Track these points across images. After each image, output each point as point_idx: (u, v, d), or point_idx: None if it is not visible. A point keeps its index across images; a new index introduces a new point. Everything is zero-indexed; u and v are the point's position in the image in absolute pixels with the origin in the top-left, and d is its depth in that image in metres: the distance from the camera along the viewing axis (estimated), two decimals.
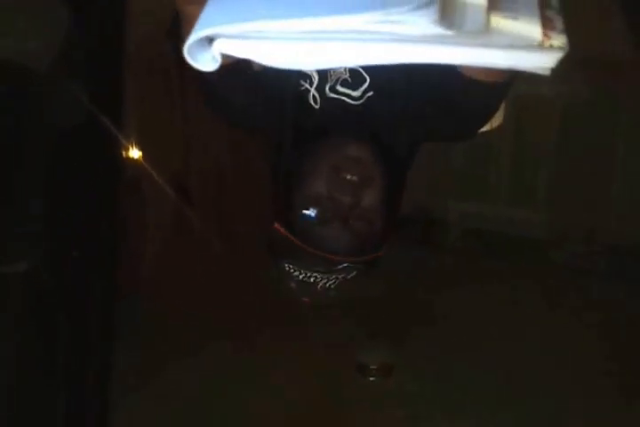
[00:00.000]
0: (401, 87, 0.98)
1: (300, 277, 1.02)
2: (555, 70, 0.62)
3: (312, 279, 1.03)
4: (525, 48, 0.61)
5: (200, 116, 1.75)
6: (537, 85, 1.71)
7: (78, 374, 1.58)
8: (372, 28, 0.62)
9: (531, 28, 0.63)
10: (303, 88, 1.02)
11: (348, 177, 0.97)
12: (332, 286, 1.02)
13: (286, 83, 1.01)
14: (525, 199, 2.01)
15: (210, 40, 0.66)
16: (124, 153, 1.93)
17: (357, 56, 0.65)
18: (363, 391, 1.28)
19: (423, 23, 0.59)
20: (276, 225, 1.03)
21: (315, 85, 1.03)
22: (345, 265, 1.01)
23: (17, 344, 1.47)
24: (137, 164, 1.94)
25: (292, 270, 1.02)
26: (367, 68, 1.01)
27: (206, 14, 0.68)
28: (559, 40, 0.62)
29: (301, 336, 1.14)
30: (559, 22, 0.64)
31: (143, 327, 1.77)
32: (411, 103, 1.00)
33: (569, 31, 0.64)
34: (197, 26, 0.66)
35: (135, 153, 1.95)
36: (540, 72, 0.63)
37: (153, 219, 2.16)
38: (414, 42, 0.63)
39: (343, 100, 1.01)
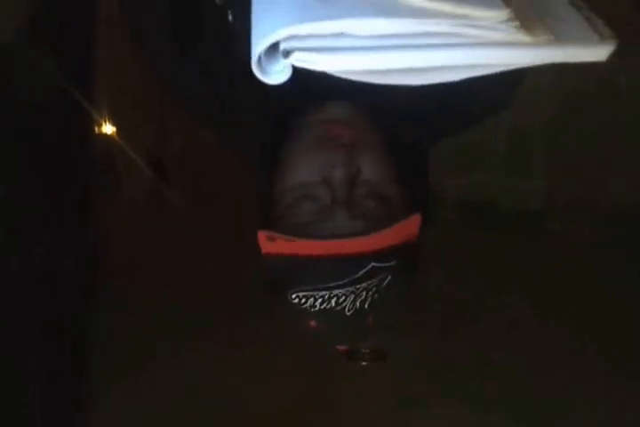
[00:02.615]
0: None
1: (317, 304, 0.75)
2: None
3: (333, 301, 0.74)
4: (582, 42, 0.62)
5: None
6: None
7: (51, 371, 1.51)
8: (460, 30, 0.60)
9: (581, 25, 0.65)
10: None
11: (336, 144, 0.76)
12: (367, 306, 0.74)
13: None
14: (523, 169, 1.96)
15: (274, 47, 0.61)
16: (96, 128, 1.86)
17: (441, 68, 0.61)
18: (355, 376, 1.24)
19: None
20: (261, 235, 0.77)
21: None
22: (370, 267, 0.74)
23: None
24: (110, 139, 1.87)
25: (302, 300, 0.75)
26: None
27: (263, 18, 0.63)
28: (607, 32, 0.63)
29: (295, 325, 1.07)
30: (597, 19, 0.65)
31: (119, 316, 1.70)
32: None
33: None
34: (258, 30, 0.62)
35: (108, 128, 1.88)
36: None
37: (127, 197, 2.10)
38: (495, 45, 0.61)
39: None
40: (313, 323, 0.78)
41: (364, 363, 1.18)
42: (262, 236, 0.77)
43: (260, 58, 0.62)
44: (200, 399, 1.52)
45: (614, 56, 0.63)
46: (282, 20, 0.61)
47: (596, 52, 0.62)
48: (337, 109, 0.78)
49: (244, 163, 0.94)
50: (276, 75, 0.63)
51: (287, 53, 0.61)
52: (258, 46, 0.61)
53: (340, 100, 0.79)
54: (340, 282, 0.73)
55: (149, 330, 1.65)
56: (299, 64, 0.60)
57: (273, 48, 0.62)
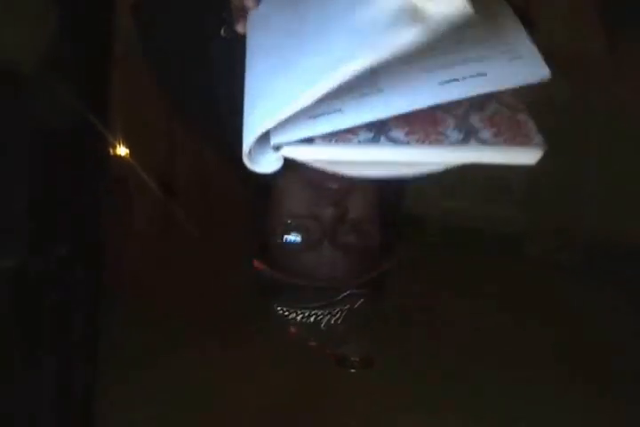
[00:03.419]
0: None
1: (298, 318, 0.87)
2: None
3: (312, 318, 0.86)
4: (514, 146, 0.66)
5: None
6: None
7: (62, 372, 1.58)
8: None
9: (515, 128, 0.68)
10: None
11: (326, 186, 0.84)
12: (339, 322, 0.87)
13: None
14: (500, 197, 2.02)
15: (266, 136, 0.65)
16: (110, 152, 1.94)
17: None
18: (344, 383, 1.29)
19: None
20: (255, 263, 0.88)
21: None
22: (347, 293, 0.85)
23: None
24: (124, 163, 1.95)
25: (286, 313, 0.87)
26: None
27: (254, 107, 0.66)
28: (538, 137, 0.68)
29: (282, 329, 1.14)
30: (531, 124, 0.69)
31: (127, 324, 1.77)
32: None
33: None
34: (249, 123, 0.65)
35: (122, 152, 1.95)
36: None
37: (139, 218, 2.17)
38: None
39: None
40: (293, 329, 0.91)
41: (352, 370, 1.25)
42: (257, 264, 0.86)
43: (250, 150, 0.66)
44: (193, 402, 1.57)
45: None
46: (273, 113, 0.63)
47: (526, 157, 0.66)
48: None
49: (244, 189, 1.01)
50: (266, 165, 0.67)
51: (278, 148, 0.66)
52: (247, 139, 0.64)
53: None
54: (319, 304, 0.84)
55: (151, 339, 1.72)
56: (290, 156, 0.66)
57: (263, 138, 0.65)
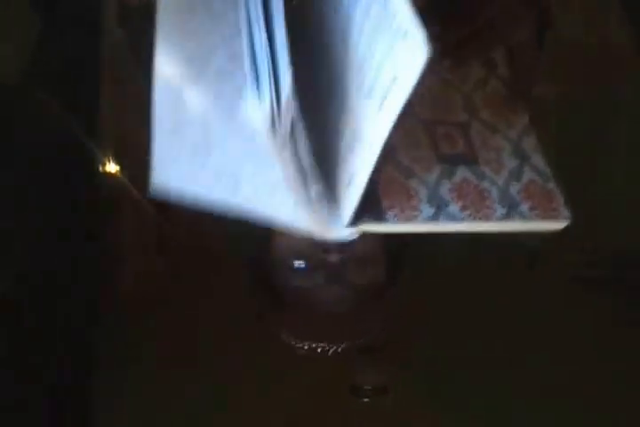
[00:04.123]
0: None
1: (305, 347, 0.92)
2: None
3: (319, 350, 0.91)
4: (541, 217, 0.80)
5: None
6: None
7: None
8: None
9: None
10: None
11: None
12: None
13: None
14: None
15: None
16: (100, 168, 1.88)
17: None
18: (357, 412, 1.24)
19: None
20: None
21: None
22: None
23: None
24: (115, 179, 1.89)
25: (292, 342, 0.92)
26: None
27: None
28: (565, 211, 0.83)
29: (297, 358, 1.07)
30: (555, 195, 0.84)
31: (126, 346, 1.70)
32: None
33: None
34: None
35: (112, 168, 1.89)
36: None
37: (132, 235, 2.11)
38: None
39: None
40: (300, 352, 0.96)
41: (366, 399, 1.19)
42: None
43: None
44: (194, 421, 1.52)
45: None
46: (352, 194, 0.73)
47: (553, 227, 0.79)
48: None
49: None
50: (339, 234, 0.75)
51: (353, 223, 0.74)
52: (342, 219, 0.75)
53: None
54: (328, 340, 0.90)
55: (157, 356, 1.67)
56: (365, 230, 0.74)
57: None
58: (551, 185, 0.82)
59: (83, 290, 1.66)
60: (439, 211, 0.75)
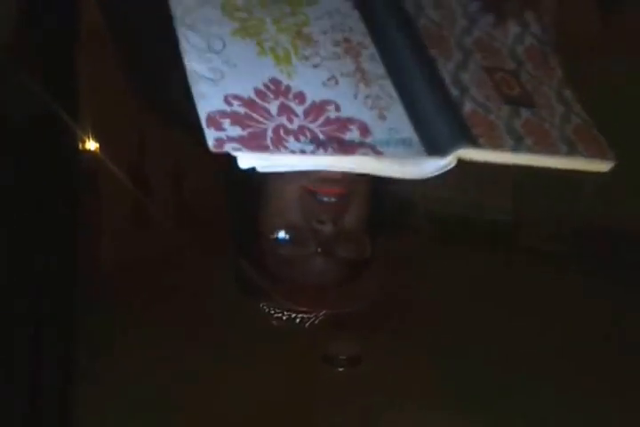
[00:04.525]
0: None
1: (283, 317, 0.90)
2: None
3: (297, 320, 0.89)
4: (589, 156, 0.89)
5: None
6: None
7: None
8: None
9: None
10: None
11: (326, 199, 0.85)
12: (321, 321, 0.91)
13: None
14: (493, 185, 2.00)
15: None
16: (79, 145, 1.87)
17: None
18: (332, 381, 1.26)
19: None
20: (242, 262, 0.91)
21: None
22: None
23: None
24: (93, 155, 1.88)
25: (271, 311, 0.90)
26: None
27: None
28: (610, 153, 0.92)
29: (271, 330, 1.07)
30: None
31: (105, 327, 1.70)
32: None
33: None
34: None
35: (91, 145, 1.89)
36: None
37: (110, 212, 2.10)
38: None
39: None
40: (275, 323, 0.95)
41: (340, 369, 1.21)
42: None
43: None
44: (178, 402, 1.53)
45: None
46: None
47: (600, 166, 0.86)
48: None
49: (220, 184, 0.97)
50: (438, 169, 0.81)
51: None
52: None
53: None
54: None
55: (136, 339, 1.66)
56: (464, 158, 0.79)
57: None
58: (595, 130, 0.90)
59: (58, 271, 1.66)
60: (518, 143, 0.82)
